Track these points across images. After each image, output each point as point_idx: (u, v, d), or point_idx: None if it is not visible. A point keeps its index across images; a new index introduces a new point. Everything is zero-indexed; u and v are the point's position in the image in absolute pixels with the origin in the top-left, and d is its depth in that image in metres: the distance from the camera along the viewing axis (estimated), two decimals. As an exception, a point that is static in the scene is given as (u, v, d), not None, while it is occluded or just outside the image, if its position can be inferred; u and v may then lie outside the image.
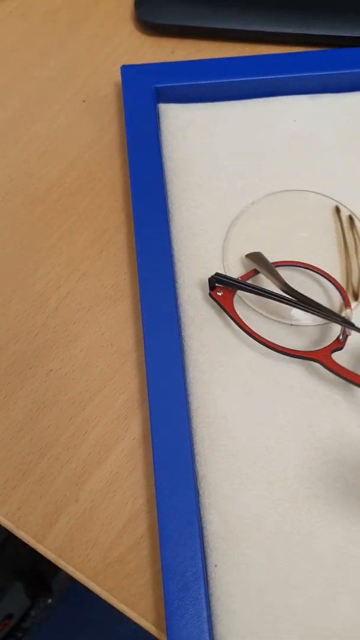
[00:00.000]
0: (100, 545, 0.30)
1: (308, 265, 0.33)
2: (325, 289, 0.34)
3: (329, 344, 0.31)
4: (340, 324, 0.30)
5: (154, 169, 0.35)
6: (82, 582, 0.30)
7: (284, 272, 0.33)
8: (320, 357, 0.31)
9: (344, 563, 0.29)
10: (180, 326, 0.33)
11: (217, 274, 0.32)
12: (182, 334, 0.33)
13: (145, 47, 0.42)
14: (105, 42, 0.42)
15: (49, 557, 0.30)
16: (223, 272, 0.34)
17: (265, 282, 0.33)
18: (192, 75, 0.37)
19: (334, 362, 0.31)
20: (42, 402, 0.32)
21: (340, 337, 0.31)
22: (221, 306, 0.32)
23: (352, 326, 0.30)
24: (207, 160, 0.37)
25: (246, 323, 0.32)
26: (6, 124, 0.39)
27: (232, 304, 0.32)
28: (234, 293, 0.33)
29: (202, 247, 0.35)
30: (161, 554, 0.28)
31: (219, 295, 0.33)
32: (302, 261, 0.34)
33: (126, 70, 0.37)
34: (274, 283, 0.32)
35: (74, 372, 0.33)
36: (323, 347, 0.31)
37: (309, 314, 0.32)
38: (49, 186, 0.37)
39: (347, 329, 0.31)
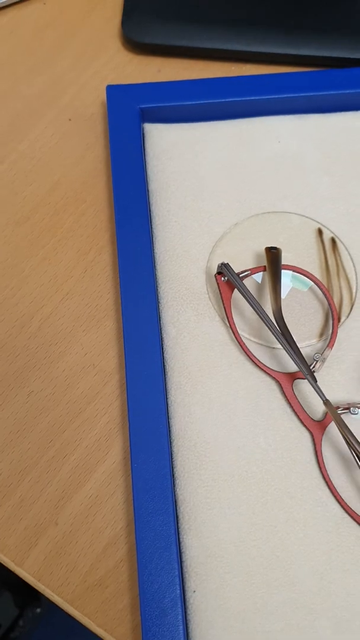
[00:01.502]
0: (79, 569, 0.30)
1: (312, 276, 0.33)
2: (316, 302, 0.34)
3: (298, 371, 0.31)
4: (302, 372, 0.30)
5: (137, 190, 0.35)
6: (60, 606, 0.30)
7: (285, 274, 0.34)
8: (281, 380, 0.31)
9: (323, 589, 0.28)
10: (163, 347, 0.33)
11: (226, 265, 0.32)
12: (164, 355, 0.33)
13: (132, 66, 0.42)
14: (92, 60, 0.42)
15: (28, 581, 0.30)
16: (207, 293, 0.34)
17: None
18: (177, 96, 0.37)
19: (291, 389, 0.31)
20: (22, 424, 0.32)
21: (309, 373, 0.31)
22: (220, 292, 0.33)
23: (312, 380, 0.30)
24: (192, 181, 0.37)
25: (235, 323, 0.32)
26: (-9, 142, 0.39)
27: (230, 296, 0.33)
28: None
29: (185, 268, 0.35)
30: (139, 579, 0.27)
31: (222, 282, 0.33)
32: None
33: (111, 90, 0.37)
34: (270, 297, 0.32)
35: (55, 394, 0.33)
36: (289, 371, 0.31)
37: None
38: (34, 205, 0.37)
39: (318, 367, 0.31)
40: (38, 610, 0.90)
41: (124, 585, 0.30)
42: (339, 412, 0.30)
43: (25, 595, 0.89)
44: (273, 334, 0.31)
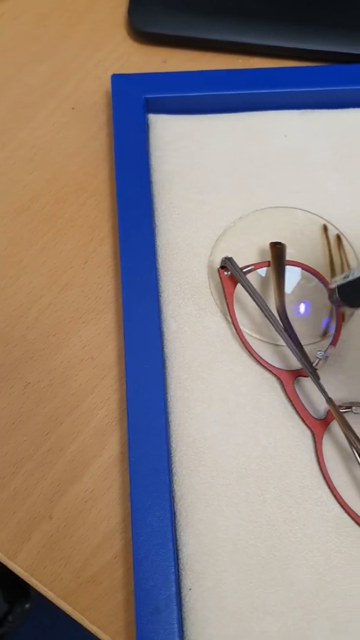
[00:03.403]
0: (73, 564, 0.29)
1: (318, 273, 0.33)
2: (320, 299, 0.33)
3: (300, 368, 0.31)
4: (305, 369, 0.30)
5: (140, 181, 0.34)
6: (53, 602, 0.29)
7: (290, 270, 0.33)
8: (282, 377, 0.31)
9: (321, 590, 0.28)
10: (163, 342, 0.32)
11: (230, 259, 0.32)
12: (165, 349, 0.32)
13: (137, 55, 0.41)
14: (96, 49, 0.41)
15: (20, 575, 0.29)
16: (209, 288, 0.33)
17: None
18: (183, 87, 0.37)
19: (292, 387, 0.30)
20: (18, 415, 0.31)
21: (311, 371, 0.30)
22: (222, 286, 0.32)
23: (314, 379, 0.30)
24: (196, 173, 0.36)
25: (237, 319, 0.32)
26: (-7, 129, 0.39)
27: (233, 291, 0.32)
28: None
29: (188, 262, 0.34)
30: (134, 576, 0.27)
31: (225, 276, 0.32)
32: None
33: (117, 79, 0.37)
34: (274, 293, 0.31)
35: (52, 386, 0.32)
36: (292, 369, 0.31)
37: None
38: (34, 194, 0.37)
39: (320, 364, 0.31)
40: (27, 605, 0.89)
41: (118, 581, 0.29)
42: (341, 410, 0.30)
43: (15, 590, 0.88)
44: (276, 330, 0.30)
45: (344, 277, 0.28)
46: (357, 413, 0.30)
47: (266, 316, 0.30)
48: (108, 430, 0.32)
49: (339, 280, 0.29)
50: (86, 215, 0.36)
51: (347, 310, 0.33)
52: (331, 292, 0.29)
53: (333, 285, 0.29)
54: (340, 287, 0.28)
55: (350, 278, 0.28)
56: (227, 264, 0.32)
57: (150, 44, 0.41)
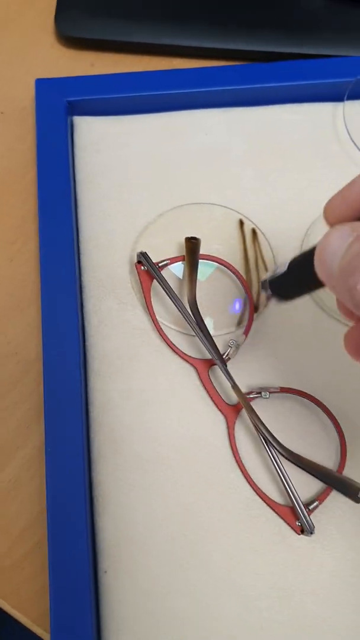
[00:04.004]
0: (-5, 553, 0.30)
1: (231, 266, 0.34)
2: (237, 291, 0.34)
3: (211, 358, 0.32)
4: (213, 358, 0.31)
5: (62, 181, 0.35)
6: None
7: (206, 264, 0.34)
8: (197, 366, 0.32)
9: (232, 569, 0.29)
10: (85, 336, 0.34)
11: (144, 254, 0.33)
12: (86, 343, 0.33)
13: (65, 60, 0.42)
14: (25, 54, 0.42)
15: None
16: (130, 282, 0.35)
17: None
18: (105, 89, 0.38)
19: (207, 375, 0.32)
20: None
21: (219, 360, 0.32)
22: (140, 281, 0.33)
23: (222, 366, 0.31)
24: (118, 172, 0.37)
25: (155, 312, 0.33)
26: None
27: (150, 284, 0.33)
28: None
29: (109, 258, 0.35)
30: (48, 561, 0.28)
31: (142, 271, 0.33)
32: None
33: (41, 83, 0.38)
34: (186, 287, 0.32)
35: (-24, 381, 0.33)
36: (206, 358, 0.32)
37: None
38: None
39: (232, 353, 0.32)
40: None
41: (40, 568, 0.30)
42: (251, 396, 0.31)
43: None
44: (187, 321, 0.31)
45: (274, 271, 0.29)
46: (266, 397, 0.31)
47: (178, 308, 0.31)
48: (31, 423, 0.33)
49: (269, 274, 0.29)
50: (13, 216, 0.37)
51: (261, 301, 0.34)
52: (262, 286, 0.30)
53: (264, 279, 0.29)
54: (272, 282, 0.29)
55: (280, 272, 0.28)
56: (141, 259, 0.33)
57: (77, 48, 0.43)
